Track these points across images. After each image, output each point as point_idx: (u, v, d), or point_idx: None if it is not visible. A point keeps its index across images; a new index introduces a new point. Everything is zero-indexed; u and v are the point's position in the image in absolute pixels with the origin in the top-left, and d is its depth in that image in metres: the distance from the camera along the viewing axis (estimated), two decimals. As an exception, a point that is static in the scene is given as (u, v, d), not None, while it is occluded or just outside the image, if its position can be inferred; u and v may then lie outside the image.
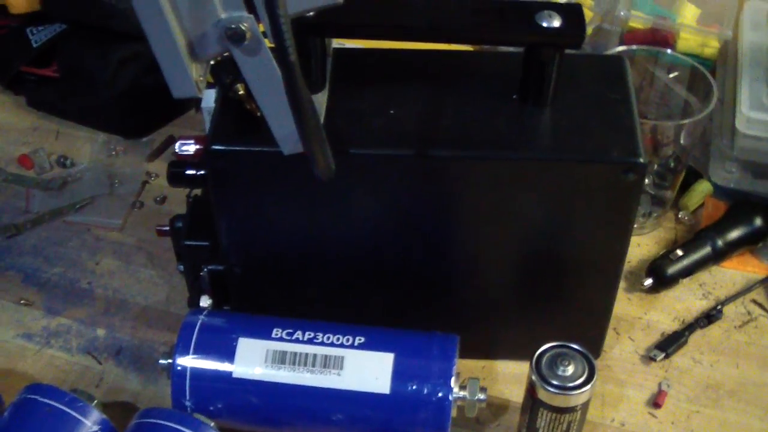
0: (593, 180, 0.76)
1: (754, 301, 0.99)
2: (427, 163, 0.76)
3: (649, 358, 0.93)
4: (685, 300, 0.98)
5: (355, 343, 0.80)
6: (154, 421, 0.75)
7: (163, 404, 0.86)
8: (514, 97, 0.78)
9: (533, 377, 0.79)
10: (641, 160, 0.75)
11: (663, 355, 0.92)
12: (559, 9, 0.74)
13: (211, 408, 0.79)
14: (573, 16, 0.74)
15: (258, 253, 0.84)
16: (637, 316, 0.97)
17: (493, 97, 0.79)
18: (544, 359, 0.79)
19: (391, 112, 0.77)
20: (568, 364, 0.79)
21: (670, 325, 0.96)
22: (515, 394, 0.89)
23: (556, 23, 0.73)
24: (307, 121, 0.62)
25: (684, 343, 0.94)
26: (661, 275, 0.98)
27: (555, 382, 0.78)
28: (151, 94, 1.09)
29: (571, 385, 0.78)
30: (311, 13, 0.68)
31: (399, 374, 0.78)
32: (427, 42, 0.78)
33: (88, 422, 0.75)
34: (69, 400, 0.76)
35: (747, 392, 0.91)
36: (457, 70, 0.83)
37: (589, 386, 0.78)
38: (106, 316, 0.96)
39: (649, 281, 0.98)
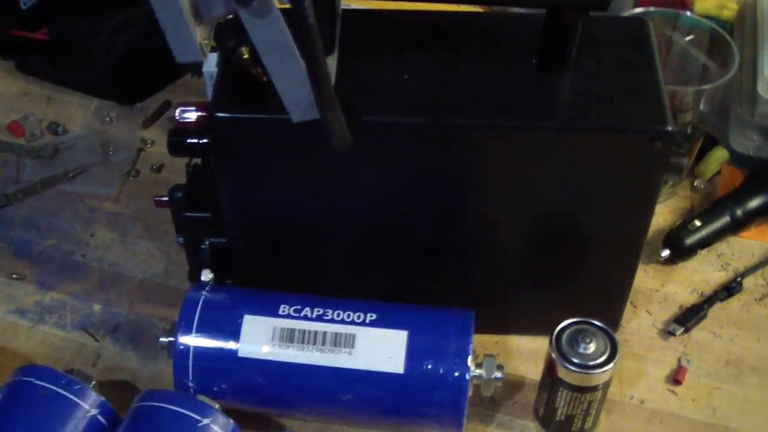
0: (617, 149, 0.73)
1: (775, 273, 0.96)
2: (443, 131, 0.72)
3: (667, 333, 0.89)
4: (703, 272, 0.95)
5: (367, 320, 0.76)
6: (157, 404, 0.71)
7: (163, 383, 0.83)
8: (534, 62, 0.75)
9: (553, 355, 0.75)
10: (669, 128, 0.71)
11: (682, 329, 0.89)
12: (583, -32, 0.70)
13: (215, 389, 0.76)
14: (597, -25, 0.70)
15: (263, 226, 0.80)
16: (654, 288, 0.93)
17: (510, 61, 0.75)
18: (565, 336, 0.76)
19: (405, 77, 0.73)
20: (590, 342, 0.75)
21: (688, 298, 0.92)
22: (531, 370, 0.85)
23: (581, -17, 0.69)
24: (325, 88, 0.58)
25: (703, 317, 0.90)
26: (678, 246, 0.94)
27: (576, 361, 0.75)
28: (146, 60, 1.05)
29: (592, 363, 0.75)
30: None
31: (413, 353, 0.75)
32: (440, 2, 0.74)
33: (86, 405, 0.72)
34: (66, 382, 0.72)
35: (769, 368, 0.88)
36: (473, 33, 0.78)
37: (611, 364, 0.74)
38: (101, 290, 0.92)
39: (666, 252, 0.94)
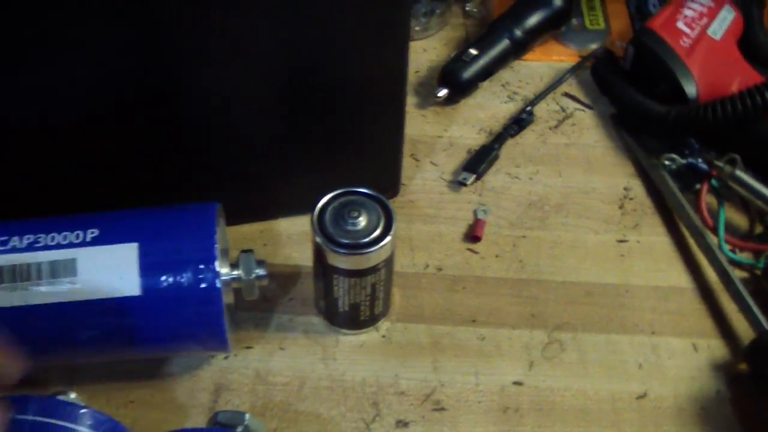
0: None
1: (567, 95, 0.85)
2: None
3: (458, 183, 0.78)
4: (488, 107, 0.84)
5: (88, 239, 0.62)
6: None
7: None
8: None
9: (318, 239, 0.62)
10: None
11: (473, 176, 0.78)
12: None
13: None
14: None
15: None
16: (437, 134, 0.81)
17: None
18: (328, 214, 0.63)
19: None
20: (358, 216, 0.63)
21: (477, 139, 0.81)
22: (306, 256, 0.72)
23: None
24: None
25: (495, 158, 0.79)
26: (455, 81, 0.82)
27: (345, 241, 0.62)
28: None
29: (365, 241, 0.62)
30: None
31: (148, 267, 0.60)
32: None
33: None
34: None
35: (575, 203, 0.77)
36: None
37: (388, 239, 0.62)
38: None
39: (443, 91, 0.82)
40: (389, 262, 0.64)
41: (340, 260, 0.62)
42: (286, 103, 0.67)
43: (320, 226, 0.63)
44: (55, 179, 0.68)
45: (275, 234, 0.74)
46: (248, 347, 0.69)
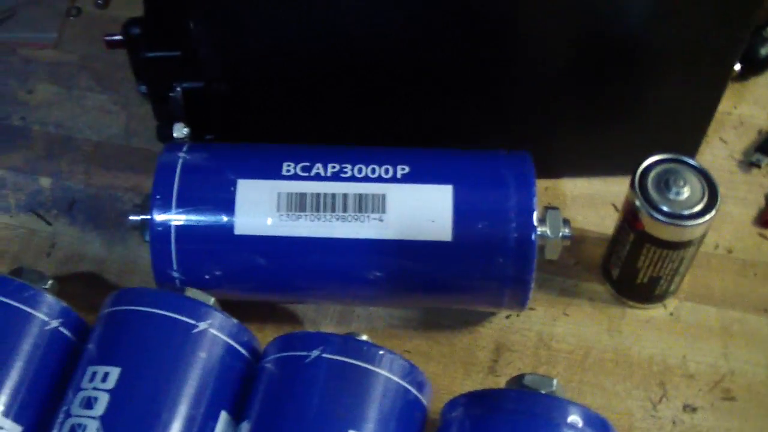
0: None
1: None
2: None
3: (749, 164, 0.73)
4: (780, 88, 0.78)
5: (399, 175, 0.59)
6: (136, 308, 0.53)
7: (136, 270, 0.68)
8: None
9: (637, 202, 0.59)
10: None
11: (767, 159, 0.73)
12: None
13: (207, 277, 0.59)
14: None
15: (252, 62, 0.62)
16: (725, 110, 0.76)
17: None
18: (650, 178, 0.59)
19: None
20: (683, 185, 0.59)
21: (768, 121, 0.76)
22: (591, 221, 0.70)
23: None
24: None
25: (789, 143, 0.75)
26: (752, 57, 0.77)
27: (667, 209, 0.58)
28: None
29: (688, 213, 0.58)
30: None
31: (462, 213, 0.58)
32: None
33: (41, 315, 0.54)
34: (14, 288, 0.54)
35: None
36: None
37: (712, 214, 0.58)
38: (49, 160, 0.74)
39: (737, 66, 0.77)
40: (701, 239, 0.60)
41: (657, 228, 0.59)
42: (597, 63, 0.63)
43: (641, 187, 0.59)
44: (360, 114, 0.66)
45: (559, 193, 0.71)
46: (531, 309, 0.65)
